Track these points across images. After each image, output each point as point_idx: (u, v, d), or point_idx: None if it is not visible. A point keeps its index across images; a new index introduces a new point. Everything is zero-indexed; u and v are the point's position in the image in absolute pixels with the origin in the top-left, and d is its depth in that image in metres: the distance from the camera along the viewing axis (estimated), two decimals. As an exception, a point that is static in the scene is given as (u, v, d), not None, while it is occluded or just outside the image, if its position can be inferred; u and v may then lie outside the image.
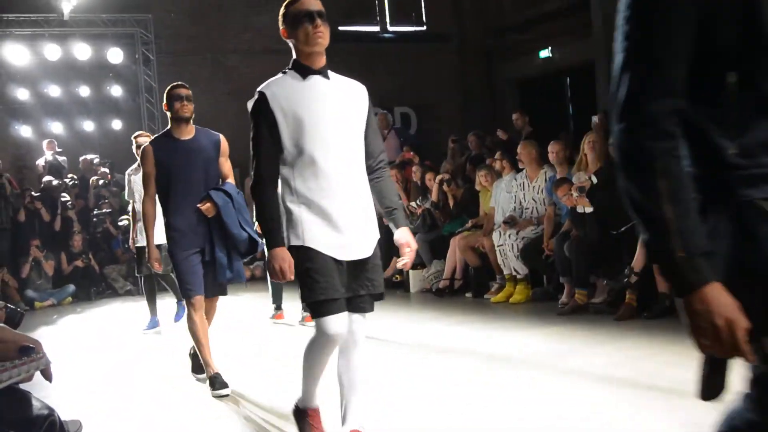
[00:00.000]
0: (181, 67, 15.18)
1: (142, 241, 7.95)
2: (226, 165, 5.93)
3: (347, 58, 16.21)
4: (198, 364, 6.06)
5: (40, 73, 15.08)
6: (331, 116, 3.72)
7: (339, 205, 3.70)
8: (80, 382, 6.45)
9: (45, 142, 14.92)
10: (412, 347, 6.71)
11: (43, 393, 2.68)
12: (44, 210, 13.28)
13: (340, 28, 16.66)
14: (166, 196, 5.75)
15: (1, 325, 2.35)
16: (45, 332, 9.50)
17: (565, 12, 14.89)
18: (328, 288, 3.64)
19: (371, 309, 3.90)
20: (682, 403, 4.41)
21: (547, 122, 13.11)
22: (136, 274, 9.30)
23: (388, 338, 7.32)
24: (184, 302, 7.88)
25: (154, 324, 8.87)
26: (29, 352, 2.20)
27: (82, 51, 14.79)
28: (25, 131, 15.36)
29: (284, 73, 3.87)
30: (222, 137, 5.95)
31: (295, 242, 3.69)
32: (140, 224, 7.79)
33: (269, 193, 3.72)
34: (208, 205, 5.61)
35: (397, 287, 10.93)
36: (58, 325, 10.46)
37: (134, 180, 8.29)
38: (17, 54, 14.52)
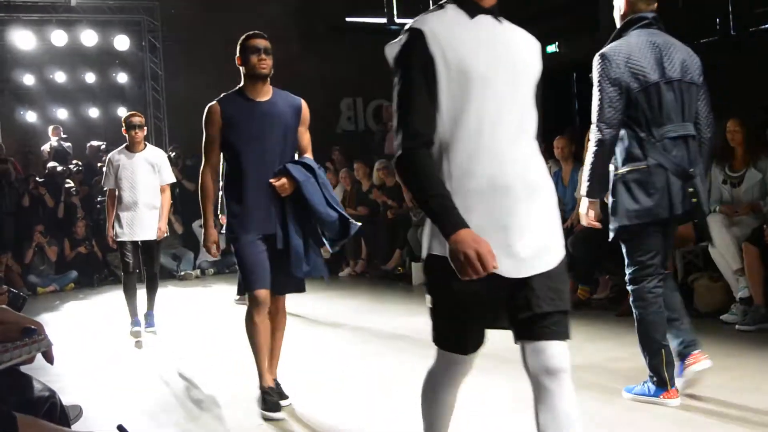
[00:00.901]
0: (187, 55, 15.17)
1: (124, 236, 7.67)
2: (305, 136, 4.99)
3: (354, 49, 16.27)
4: (272, 402, 4.78)
5: (46, 58, 15.12)
6: (507, 74, 2.68)
7: (512, 202, 2.63)
8: (81, 368, 6.46)
9: (50, 128, 14.95)
10: (414, 341, 6.70)
11: (44, 378, 2.68)
12: (48, 196, 13.29)
13: (347, 19, 16.66)
14: (233, 167, 4.82)
15: (4, 306, 2.34)
16: (47, 317, 9.51)
17: (572, 7, 14.85)
18: (468, 324, 2.82)
19: (566, 334, 2.75)
20: (682, 400, 4.41)
21: (552, 117, 13.06)
22: (122, 272, 7.94)
23: (389, 332, 7.33)
24: (153, 313, 8.02)
25: (137, 323, 7.82)
26: (31, 333, 2.19)
27: (89, 37, 14.79)
28: (30, 117, 15.41)
29: (441, 7, 2.81)
30: (304, 103, 4.99)
31: (438, 251, 2.67)
32: (128, 214, 7.67)
33: (429, 160, 2.59)
34: (283, 180, 4.71)
35: (399, 280, 10.92)
36: (60, 310, 10.48)
37: (123, 164, 7.73)
38: (24, 39, 14.52)
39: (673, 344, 4.49)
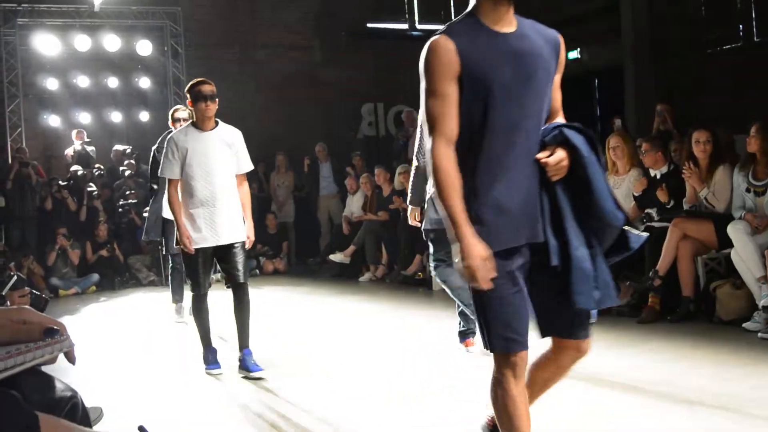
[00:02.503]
0: (209, 61, 15.26)
1: (201, 241, 5.96)
2: (559, 92, 3.21)
3: (376, 55, 16.30)
4: None
5: (69, 63, 15.24)
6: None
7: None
8: (102, 370, 6.49)
9: (74, 132, 15.07)
10: (434, 346, 6.69)
11: (65, 379, 2.69)
12: (71, 199, 13.38)
13: (369, 25, 16.70)
14: (471, 138, 2.95)
15: (27, 307, 2.36)
16: (68, 320, 9.57)
17: (594, 14, 14.81)
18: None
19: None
20: (705, 409, 4.38)
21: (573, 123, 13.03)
22: (191, 290, 6.38)
23: (410, 337, 7.31)
24: (251, 351, 6.03)
25: (214, 364, 6.21)
26: (53, 334, 2.21)
27: (112, 42, 14.89)
28: (54, 121, 15.51)
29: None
30: (560, 37, 3.21)
31: None
32: (204, 212, 5.93)
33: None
34: (561, 155, 2.97)
35: (420, 285, 10.91)
36: (81, 313, 10.54)
37: (193, 146, 5.97)
38: (48, 44, 14.65)
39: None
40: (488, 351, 3.04)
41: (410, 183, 6.36)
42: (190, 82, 6.13)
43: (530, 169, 2.99)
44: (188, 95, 6.07)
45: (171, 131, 7.94)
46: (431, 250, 6.23)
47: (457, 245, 2.84)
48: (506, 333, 2.96)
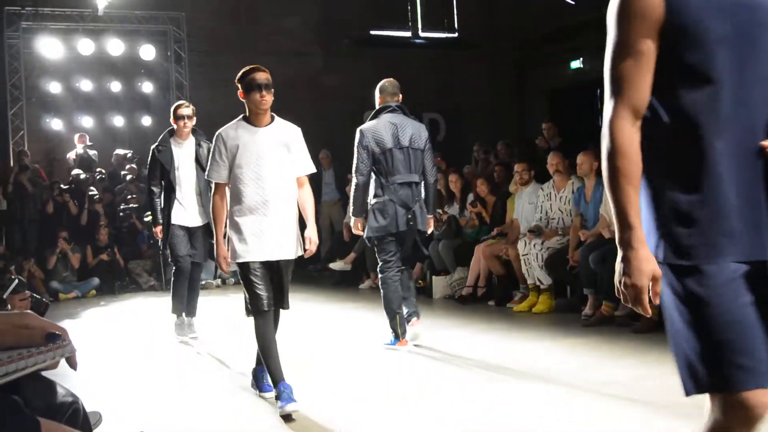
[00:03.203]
0: (212, 66, 15.27)
1: (252, 254, 5.10)
2: None
3: (378, 62, 16.30)
4: None
5: (72, 67, 15.29)
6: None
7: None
8: (101, 375, 6.48)
9: (77, 136, 15.12)
10: (434, 353, 6.69)
11: (65, 384, 2.68)
12: (72, 203, 13.38)
13: (372, 32, 16.70)
14: (673, 113, 2.26)
15: (29, 311, 2.36)
16: (68, 324, 9.52)
17: (597, 23, 14.80)
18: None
19: None
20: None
21: (576, 133, 13.04)
22: (250, 312, 5.24)
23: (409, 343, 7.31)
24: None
25: (288, 395, 4.98)
26: (55, 339, 2.20)
27: (115, 47, 14.95)
28: (56, 124, 15.56)
29: None
30: None
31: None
32: (255, 221, 5.08)
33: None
34: None
35: (420, 293, 10.89)
36: (81, 317, 10.52)
37: (244, 143, 5.13)
38: (51, 48, 14.71)
39: (405, 312, 6.98)
40: (695, 392, 2.25)
41: (351, 197, 7.09)
42: (242, 70, 5.20)
43: (754, 159, 2.19)
44: (239, 85, 5.18)
45: (173, 129, 7.96)
46: (377, 253, 7.08)
47: (623, 256, 2.24)
48: (736, 359, 2.11)
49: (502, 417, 4.72)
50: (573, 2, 15.95)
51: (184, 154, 7.94)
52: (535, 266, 8.83)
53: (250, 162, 5.11)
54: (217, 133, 5.27)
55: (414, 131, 6.96)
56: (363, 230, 7.02)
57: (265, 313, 5.09)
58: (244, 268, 5.10)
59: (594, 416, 4.65)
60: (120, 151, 15.23)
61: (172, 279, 8.16)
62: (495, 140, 12.99)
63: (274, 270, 5.16)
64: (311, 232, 5.32)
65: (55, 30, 14.76)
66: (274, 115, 5.30)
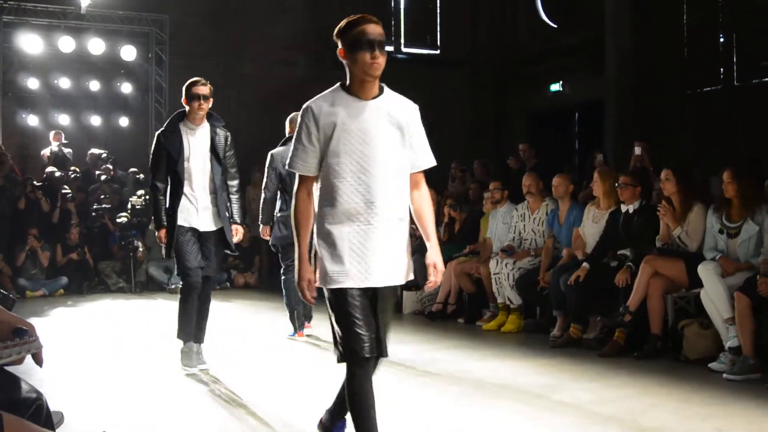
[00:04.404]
0: (193, 70, 15.08)
1: (351, 278, 3.64)
2: None
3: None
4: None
5: (52, 64, 15.20)
6: None
7: None
8: (65, 374, 6.42)
9: (52, 133, 14.99)
10: (402, 368, 6.68)
11: (30, 381, 2.67)
12: (44, 200, 13.25)
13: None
14: None
15: (-3, 305, 2.34)
16: (35, 322, 9.40)
17: (579, 48, 14.97)
18: None
19: None
20: None
21: (552, 155, 13.14)
22: (345, 360, 3.75)
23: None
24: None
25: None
26: (22, 334, 2.19)
27: (96, 46, 14.88)
28: (32, 120, 15.46)
29: None
30: None
31: None
32: (355, 231, 3.63)
33: None
34: None
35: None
36: (47, 315, 10.43)
37: (343, 120, 3.66)
38: (31, 43, 14.60)
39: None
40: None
41: (261, 208, 8.11)
42: (346, 20, 3.73)
43: None
44: (338, 41, 3.79)
45: (183, 111, 6.62)
46: (280, 258, 8.13)
47: None
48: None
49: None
50: (555, 26, 16.12)
51: (196, 142, 6.55)
52: (505, 285, 8.86)
53: (351, 148, 3.67)
54: (305, 105, 3.79)
55: None
56: (269, 236, 8.12)
57: (365, 361, 3.72)
58: (339, 296, 3.67)
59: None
60: (95, 151, 15.13)
61: (179, 297, 6.64)
62: (472, 158, 13.05)
63: (372, 299, 3.77)
64: (435, 255, 3.88)
65: (36, 26, 14.67)
66: (384, 85, 3.85)
